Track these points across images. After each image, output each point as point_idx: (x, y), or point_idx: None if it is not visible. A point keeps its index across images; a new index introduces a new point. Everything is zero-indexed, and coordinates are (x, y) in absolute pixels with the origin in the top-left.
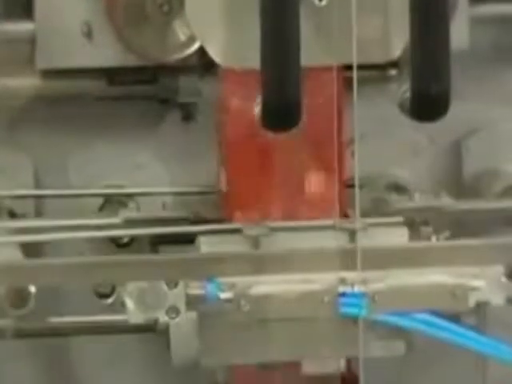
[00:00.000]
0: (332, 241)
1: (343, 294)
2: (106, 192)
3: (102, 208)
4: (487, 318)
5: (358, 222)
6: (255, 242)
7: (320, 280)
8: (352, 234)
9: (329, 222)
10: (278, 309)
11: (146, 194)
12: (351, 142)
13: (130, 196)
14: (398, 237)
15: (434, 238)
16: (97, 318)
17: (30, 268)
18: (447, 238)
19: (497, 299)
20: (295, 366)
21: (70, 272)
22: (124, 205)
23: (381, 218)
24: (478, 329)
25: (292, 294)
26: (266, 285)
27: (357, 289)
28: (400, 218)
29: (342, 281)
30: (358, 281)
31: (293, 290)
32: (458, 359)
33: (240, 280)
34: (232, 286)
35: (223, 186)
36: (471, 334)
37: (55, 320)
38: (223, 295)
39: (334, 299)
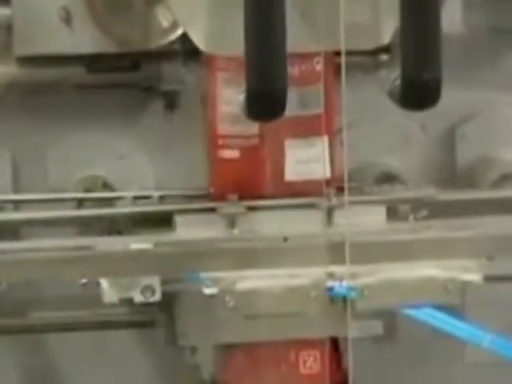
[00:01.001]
0: (310, 220)
1: (331, 289)
2: (86, 196)
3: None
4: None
5: (335, 200)
6: (231, 221)
7: (307, 274)
8: (330, 212)
9: (307, 200)
10: (264, 304)
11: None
12: (340, 130)
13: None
14: (376, 215)
15: (411, 217)
16: (77, 313)
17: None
18: (424, 217)
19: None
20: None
21: (43, 266)
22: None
23: (359, 197)
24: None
25: (278, 289)
26: (252, 280)
27: (345, 283)
28: (378, 197)
29: (330, 275)
30: (347, 275)
31: (279, 285)
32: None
33: (225, 275)
34: (217, 281)
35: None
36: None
37: (36, 316)
38: (208, 290)
39: (321, 294)
